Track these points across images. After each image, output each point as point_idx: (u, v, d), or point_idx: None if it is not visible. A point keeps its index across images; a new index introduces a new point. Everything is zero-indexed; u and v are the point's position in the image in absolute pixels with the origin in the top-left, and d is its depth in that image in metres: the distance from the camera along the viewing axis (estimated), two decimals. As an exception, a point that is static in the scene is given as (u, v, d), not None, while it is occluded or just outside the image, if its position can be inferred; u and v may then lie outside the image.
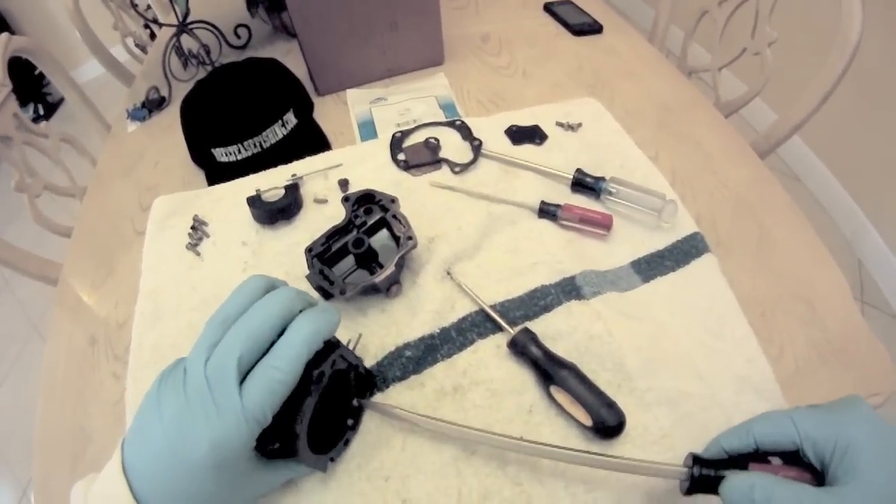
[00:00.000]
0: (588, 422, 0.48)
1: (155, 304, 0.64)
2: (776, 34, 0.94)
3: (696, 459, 0.40)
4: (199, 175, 0.83)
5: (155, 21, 1.11)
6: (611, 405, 0.48)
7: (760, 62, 0.96)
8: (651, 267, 0.62)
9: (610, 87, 0.90)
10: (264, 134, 0.78)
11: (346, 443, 0.50)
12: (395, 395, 0.53)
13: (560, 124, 0.79)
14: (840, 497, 0.33)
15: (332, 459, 0.48)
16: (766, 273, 0.62)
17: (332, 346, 0.45)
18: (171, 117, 0.98)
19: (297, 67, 0.90)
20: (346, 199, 0.60)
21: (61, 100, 2.84)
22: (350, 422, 0.50)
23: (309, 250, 0.57)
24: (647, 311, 0.58)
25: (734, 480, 0.37)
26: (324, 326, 0.42)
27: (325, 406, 0.47)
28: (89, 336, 0.67)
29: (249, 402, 0.37)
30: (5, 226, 2.01)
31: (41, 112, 2.79)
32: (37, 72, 2.65)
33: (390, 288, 0.57)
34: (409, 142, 0.78)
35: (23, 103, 0.97)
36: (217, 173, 0.79)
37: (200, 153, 0.81)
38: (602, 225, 0.64)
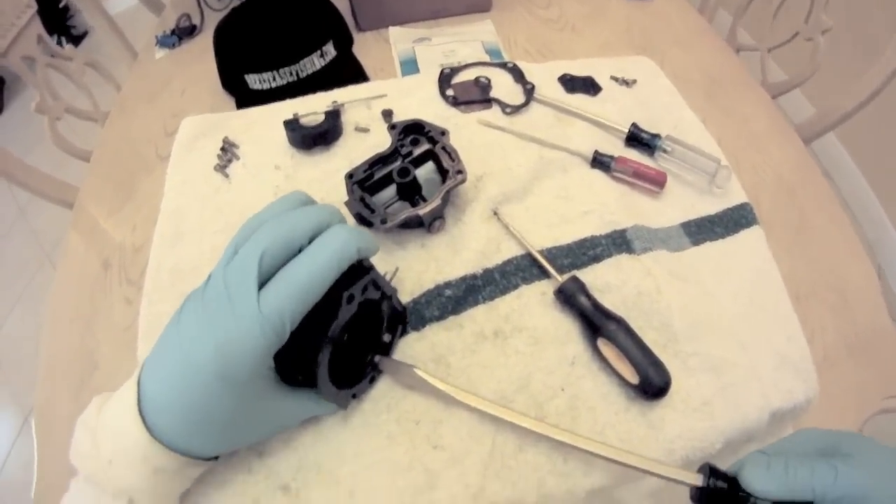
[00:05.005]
0: (634, 379, 0.45)
1: (177, 225, 0.61)
2: (831, 22, 0.90)
3: (713, 471, 0.35)
4: (230, 103, 0.80)
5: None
6: (658, 365, 0.45)
7: (811, 48, 0.93)
8: (701, 231, 0.60)
9: (659, 53, 0.86)
10: (302, 63, 0.74)
11: (372, 381, 0.47)
12: (431, 336, 0.50)
13: (615, 78, 0.75)
14: (849, 462, 0.31)
15: (354, 396, 0.45)
16: (803, 258, 0.61)
17: (364, 270, 0.40)
18: (201, 46, 0.94)
19: (338, 1, 0.86)
20: (392, 127, 0.56)
21: (85, 33, 2.80)
22: (377, 359, 0.46)
23: (350, 176, 0.53)
24: (696, 275, 0.55)
25: (749, 465, 0.33)
26: (360, 240, 0.38)
27: (354, 338, 0.43)
28: (103, 260, 0.65)
29: (267, 305, 0.33)
30: (26, 153, 1.99)
31: (65, 45, 2.74)
32: (62, 4, 2.61)
33: (433, 222, 0.53)
34: (458, 79, 0.74)
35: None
36: (248, 101, 0.75)
37: (232, 79, 0.77)
38: (656, 182, 0.61)
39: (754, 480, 0.32)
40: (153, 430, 0.35)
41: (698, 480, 0.35)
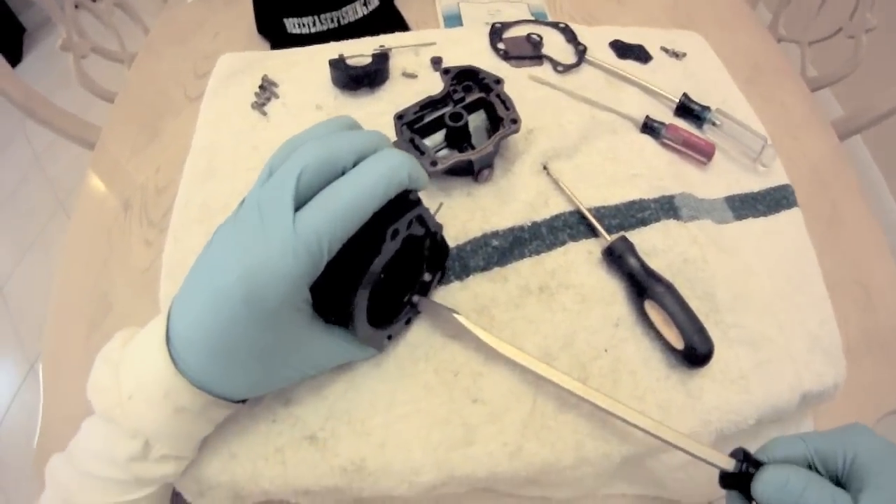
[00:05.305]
0: (679, 345, 0.44)
1: (209, 161, 0.59)
2: (876, 21, 0.89)
3: (746, 456, 0.34)
4: (265, 47, 0.77)
5: None
6: (703, 332, 0.44)
7: (852, 46, 0.91)
8: (744, 206, 0.59)
9: (703, 33, 0.84)
10: (344, 9, 0.72)
11: (409, 322, 0.45)
12: (475, 286, 0.48)
13: (665, 49, 0.74)
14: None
15: (390, 338, 0.43)
16: (831, 250, 0.60)
17: (411, 203, 0.37)
18: (236, -9, 0.91)
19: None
20: (445, 72, 0.54)
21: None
22: (415, 299, 0.44)
23: (399, 117, 0.51)
24: (737, 248, 0.54)
25: (767, 474, 0.32)
26: (412, 167, 0.34)
27: (391, 276, 0.41)
28: (123, 201, 0.63)
29: (303, 225, 0.30)
30: (51, 96, 1.97)
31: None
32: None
33: (482, 171, 0.51)
34: (509, 34, 0.72)
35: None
36: (285, 46, 0.72)
37: (270, 22, 0.75)
38: (705, 152, 0.60)
39: (766, 494, 0.31)
40: (179, 365, 0.33)
41: (730, 465, 0.34)
